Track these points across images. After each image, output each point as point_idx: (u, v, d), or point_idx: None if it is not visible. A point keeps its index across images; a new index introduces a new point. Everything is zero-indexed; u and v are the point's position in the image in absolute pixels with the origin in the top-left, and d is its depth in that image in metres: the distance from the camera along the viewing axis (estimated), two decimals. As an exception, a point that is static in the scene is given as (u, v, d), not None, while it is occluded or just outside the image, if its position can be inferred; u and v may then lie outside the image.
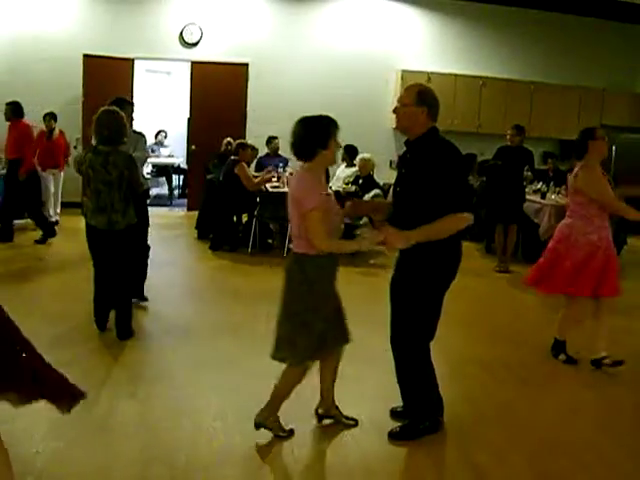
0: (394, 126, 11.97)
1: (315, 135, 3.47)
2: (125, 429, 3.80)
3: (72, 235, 8.58)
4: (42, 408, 2.79)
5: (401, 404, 4.02)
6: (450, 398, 4.03)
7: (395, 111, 3.67)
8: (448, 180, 3.47)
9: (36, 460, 3.37)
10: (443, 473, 3.59)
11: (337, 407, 3.97)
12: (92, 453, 3.49)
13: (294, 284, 3.57)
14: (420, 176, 3.54)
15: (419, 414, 3.90)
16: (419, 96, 3.57)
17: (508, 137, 8.46)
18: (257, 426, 3.72)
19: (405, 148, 3.75)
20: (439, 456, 3.74)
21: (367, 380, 4.64)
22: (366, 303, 5.97)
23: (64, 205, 10.26)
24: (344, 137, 11.11)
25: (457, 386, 4.60)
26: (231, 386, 4.46)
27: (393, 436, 3.86)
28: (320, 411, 3.98)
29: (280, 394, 3.70)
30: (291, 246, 3.66)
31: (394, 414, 4.08)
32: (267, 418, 3.71)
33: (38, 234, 8.80)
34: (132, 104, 6.27)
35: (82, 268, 6.44)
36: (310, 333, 3.53)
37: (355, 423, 3.96)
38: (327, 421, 3.97)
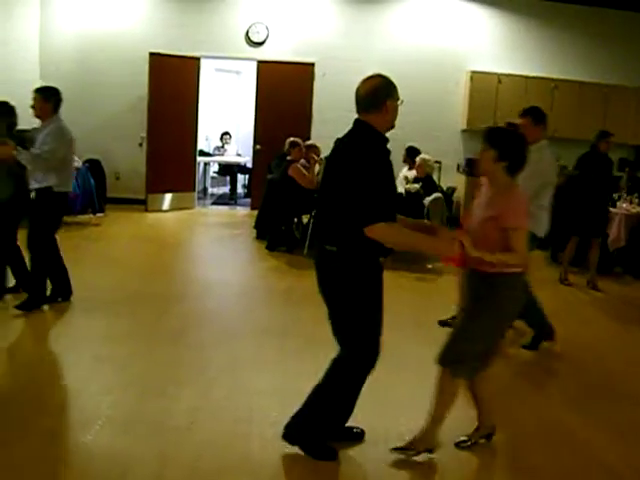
0: (464, 128, 11.72)
1: None
2: (148, 428, 3.73)
3: None
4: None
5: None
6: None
7: None
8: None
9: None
10: None
11: None
12: (115, 451, 3.46)
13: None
14: None
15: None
16: None
17: (603, 145, 7.73)
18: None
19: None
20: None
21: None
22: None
23: None
24: (411, 138, 10.68)
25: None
26: (267, 388, 4.34)
27: None
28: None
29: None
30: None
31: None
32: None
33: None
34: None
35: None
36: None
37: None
38: None
